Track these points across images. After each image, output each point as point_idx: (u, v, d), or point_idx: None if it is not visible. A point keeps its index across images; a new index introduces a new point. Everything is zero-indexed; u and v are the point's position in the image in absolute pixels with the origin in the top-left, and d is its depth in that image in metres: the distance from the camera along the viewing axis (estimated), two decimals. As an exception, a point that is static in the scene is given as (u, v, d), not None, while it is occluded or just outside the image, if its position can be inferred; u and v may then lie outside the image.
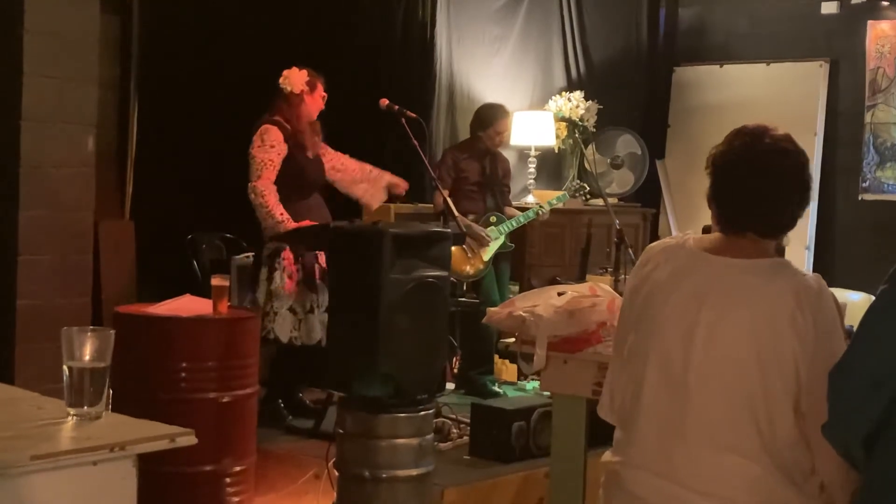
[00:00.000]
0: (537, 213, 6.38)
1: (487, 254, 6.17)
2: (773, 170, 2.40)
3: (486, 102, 6.56)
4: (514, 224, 6.29)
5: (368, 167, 5.63)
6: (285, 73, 5.29)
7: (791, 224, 2.46)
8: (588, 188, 6.81)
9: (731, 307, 2.36)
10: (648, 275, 2.49)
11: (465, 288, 6.18)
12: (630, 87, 8.52)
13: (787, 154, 2.42)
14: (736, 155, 2.43)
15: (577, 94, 7.68)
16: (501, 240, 6.22)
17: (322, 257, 5.15)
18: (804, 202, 2.44)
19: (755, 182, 2.40)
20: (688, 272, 2.43)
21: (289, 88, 5.25)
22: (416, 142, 5.09)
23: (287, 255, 5.14)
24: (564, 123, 7.44)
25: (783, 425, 2.30)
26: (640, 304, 2.49)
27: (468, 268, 6.14)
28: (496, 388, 6.01)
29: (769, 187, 2.40)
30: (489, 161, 6.29)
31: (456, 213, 5.74)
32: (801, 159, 2.44)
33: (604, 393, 2.63)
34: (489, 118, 6.25)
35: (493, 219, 6.23)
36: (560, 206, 6.64)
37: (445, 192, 5.81)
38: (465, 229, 6.02)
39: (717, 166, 2.46)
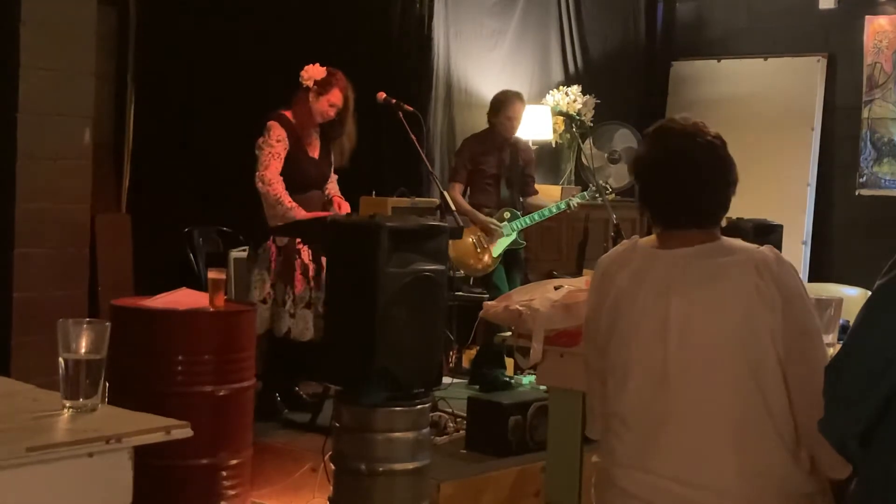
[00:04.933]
0: (567, 207, 6.25)
1: (496, 249, 6.11)
2: (694, 161, 2.45)
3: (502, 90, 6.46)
4: (528, 221, 6.20)
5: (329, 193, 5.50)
6: (306, 66, 5.27)
7: (726, 206, 2.51)
8: (609, 189, 6.62)
9: (697, 292, 2.39)
10: (609, 286, 2.52)
11: (472, 283, 6.13)
12: (627, 82, 8.52)
13: (700, 142, 2.46)
14: (654, 156, 2.50)
15: (575, 89, 7.68)
16: (513, 236, 6.15)
17: (305, 253, 5.15)
18: (733, 181, 2.48)
19: (681, 177, 2.46)
20: (647, 271, 2.47)
21: (303, 83, 5.24)
22: (413, 136, 5.08)
23: (271, 247, 5.14)
24: (562, 118, 7.43)
25: (778, 395, 2.33)
26: (608, 316, 2.51)
27: (477, 262, 6.08)
28: (507, 380, 5.90)
29: (696, 178, 2.45)
30: (509, 151, 6.20)
31: (462, 206, 5.69)
32: (715, 142, 2.48)
33: (588, 414, 2.68)
34: (499, 103, 6.18)
35: (506, 214, 6.15)
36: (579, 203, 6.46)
37: (457, 186, 5.74)
38: (474, 220, 5.96)
39: (641, 171, 2.53)
